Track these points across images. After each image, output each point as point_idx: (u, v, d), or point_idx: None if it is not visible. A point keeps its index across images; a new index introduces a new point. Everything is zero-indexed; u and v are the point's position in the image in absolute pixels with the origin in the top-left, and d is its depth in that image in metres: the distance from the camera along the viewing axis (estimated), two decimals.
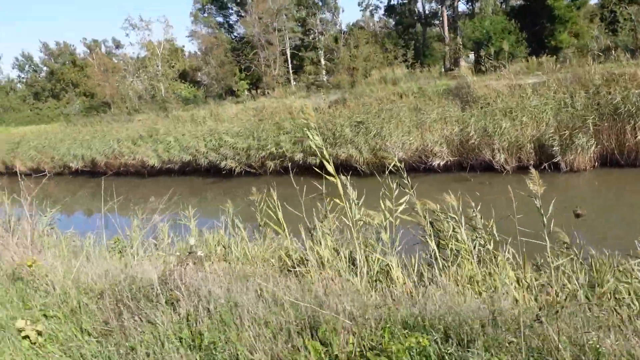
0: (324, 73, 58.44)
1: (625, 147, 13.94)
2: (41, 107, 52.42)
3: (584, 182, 14.14)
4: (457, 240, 4.93)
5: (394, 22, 59.68)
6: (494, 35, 25.19)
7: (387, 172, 5.24)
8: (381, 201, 5.77)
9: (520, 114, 14.82)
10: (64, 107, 50.80)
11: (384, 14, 60.77)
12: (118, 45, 68.69)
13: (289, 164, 18.76)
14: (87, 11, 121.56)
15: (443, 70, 36.16)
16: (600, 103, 13.98)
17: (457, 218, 4.82)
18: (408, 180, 5.15)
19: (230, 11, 58.03)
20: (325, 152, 4.67)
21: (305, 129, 4.44)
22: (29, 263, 4.90)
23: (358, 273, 4.64)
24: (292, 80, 35.41)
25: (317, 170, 5.52)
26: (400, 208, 5.01)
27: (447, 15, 39.02)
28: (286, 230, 6.26)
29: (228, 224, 7.31)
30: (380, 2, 52.97)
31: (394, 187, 5.39)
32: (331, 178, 5.00)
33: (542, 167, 14.02)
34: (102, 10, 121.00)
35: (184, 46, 68.28)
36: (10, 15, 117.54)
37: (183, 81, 53.68)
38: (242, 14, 46.09)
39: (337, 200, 5.13)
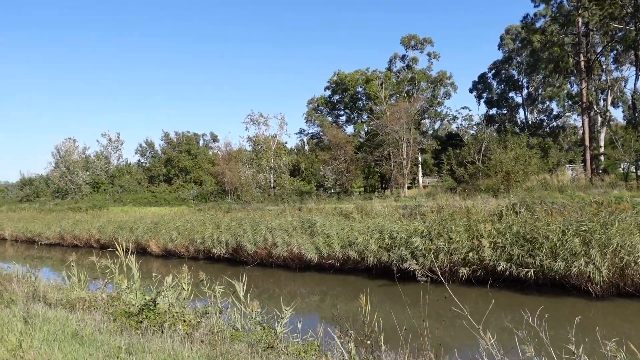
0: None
1: None
2: (153, 190, 54.69)
3: None
4: None
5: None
6: None
7: None
8: None
9: None
10: (175, 191, 52.57)
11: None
12: (215, 139, 72.87)
13: (481, 272, 16.09)
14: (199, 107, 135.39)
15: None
16: None
17: None
18: None
19: (341, 112, 60.24)
20: None
21: None
22: None
23: None
24: (420, 180, 33.88)
25: None
26: None
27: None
28: None
29: None
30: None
31: None
32: None
33: None
34: (206, 106, 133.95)
35: (286, 142, 71.06)
36: (134, 106, 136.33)
37: (291, 175, 54.53)
38: (371, 115, 46.80)
39: None
